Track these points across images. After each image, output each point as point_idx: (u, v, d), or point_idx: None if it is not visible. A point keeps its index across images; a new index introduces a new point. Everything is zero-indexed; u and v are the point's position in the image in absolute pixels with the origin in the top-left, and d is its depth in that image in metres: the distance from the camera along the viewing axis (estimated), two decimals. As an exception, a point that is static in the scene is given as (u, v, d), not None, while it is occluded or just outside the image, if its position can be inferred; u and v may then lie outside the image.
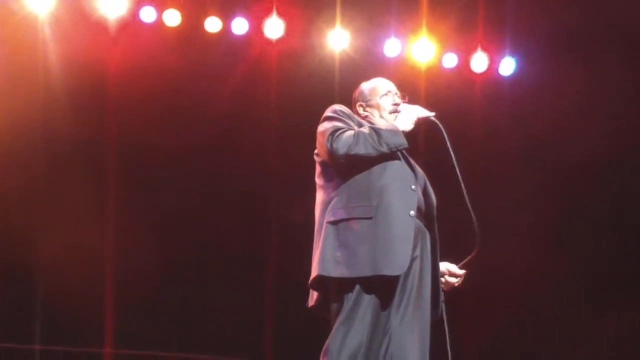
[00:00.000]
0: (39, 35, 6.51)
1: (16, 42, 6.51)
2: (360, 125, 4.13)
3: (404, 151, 4.22)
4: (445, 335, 4.18)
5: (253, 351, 6.43)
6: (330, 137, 4.02)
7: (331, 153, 4.03)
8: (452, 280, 4.33)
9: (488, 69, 7.24)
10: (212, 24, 6.93)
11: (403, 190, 4.07)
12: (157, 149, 6.73)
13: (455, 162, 4.28)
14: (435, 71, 7.19)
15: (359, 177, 4.05)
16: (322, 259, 4.00)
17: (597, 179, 7.00)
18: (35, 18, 6.54)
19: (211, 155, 6.92)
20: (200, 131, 6.80)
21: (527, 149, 7.09)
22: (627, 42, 6.95)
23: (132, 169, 6.71)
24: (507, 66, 7.26)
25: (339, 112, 4.17)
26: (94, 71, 6.62)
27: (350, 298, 3.93)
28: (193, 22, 6.91)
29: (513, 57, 7.26)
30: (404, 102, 4.32)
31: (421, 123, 4.24)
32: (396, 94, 4.37)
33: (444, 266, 4.32)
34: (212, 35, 6.94)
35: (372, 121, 4.27)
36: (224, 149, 6.94)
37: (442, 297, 4.27)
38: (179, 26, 6.85)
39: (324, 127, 4.13)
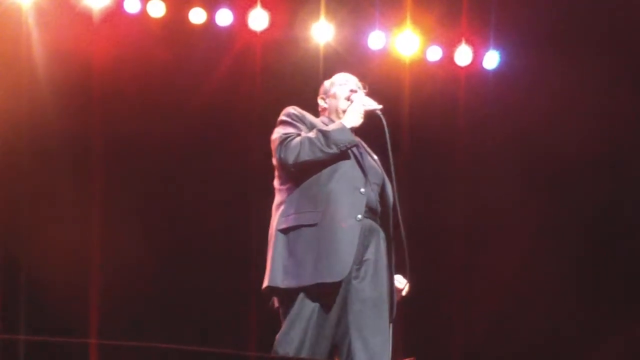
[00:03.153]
0: (23, 26, 6.45)
1: (-1, 34, 6.48)
2: (313, 127, 4.20)
3: (361, 150, 4.31)
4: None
5: (238, 342, 6.44)
6: (279, 147, 4.14)
7: (281, 162, 4.15)
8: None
9: (472, 62, 7.24)
10: (197, 15, 6.90)
11: (350, 194, 4.13)
12: (141, 141, 6.69)
13: (391, 159, 4.29)
14: (420, 64, 7.19)
15: (309, 182, 4.14)
16: (272, 269, 4.11)
17: (582, 172, 7.02)
18: (18, 8, 6.49)
19: (195, 148, 6.90)
20: (185, 124, 6.77)
21: (511, 142, 7.10)
22: (612, 36, 6.97)
23: (116, 161, 6.66)
24: (491, 59, 7.27)
25: (291, 116, 4.28)
26: (78, 62, 6.55)
27: (297, 302, 4.04)
28: (177, 13, 6.87)
29: (497, 50, 7.27)
30: (364, 92, 4.40)
31: (370, 116, 4.29)
32: (355, 84, 4.46)
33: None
34: (197, 26, 6.91)
35: (331, 113, 4.39)
36: (208, 141, 6.91)
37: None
38: (163, 17, 6.82)
39: (276, 133, 4.24)
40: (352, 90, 4.41)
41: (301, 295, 4.04)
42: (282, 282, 4.07)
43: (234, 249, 6.69)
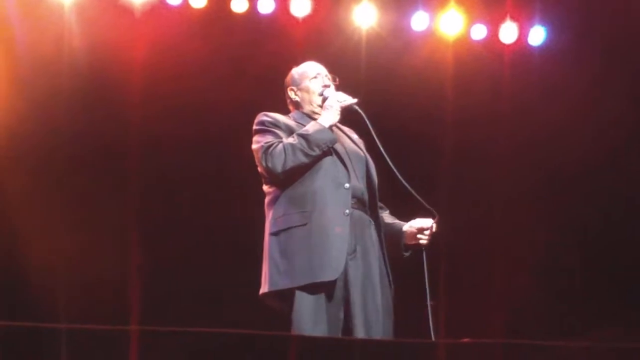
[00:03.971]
0: (65, 24, 6.47)
1: (41, 31, 6.48)
2: (289, 129, 4.32)
3: (342, 138, 4.42)
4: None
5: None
6: (264, 156, 4.25)
7: (268, 171, 4.26)
8: (425, 235, 4.45)
9: (517, 39, 7.13)
10: (238, 4, 6.86)
11: (336, 190, 4.25)
12: (181, 138, 6.69)
13: (381, 148, 4.39)
14: (464, 43, 7.08)
15: (295, 185, 4.27)
16: (268, 273, 4.24)
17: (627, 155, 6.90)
18: (61, 6, 6.52)
19: (237, 142, 6.89)
20: (227, 118, 6.72)
21: (555, 122, 6.97)
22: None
23: (155, 157, 6.65)
24: (537, 35, 7.14)
25: (266, 123, 4.38)
26: (120, 60, 6.53)
27: (298, 302, 4.14)
28: (219, 3, 6.84)
29: (543, 25, 7.14)
30: (334, 85, 4.50)
31: (346, 111, 4.38)
32: (326, 76, 4.56)
33: (415, 224, 4.46)
34: (238, 15, 6.89)
35: (303, 107, 4.49)
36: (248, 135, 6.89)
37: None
38: (204, 7, 6.80)
39: (256, 143, 4.36)
40: (325, 86, 4.49)
41: (301, 294, 4.14)
42: (278, 284, 4.20)
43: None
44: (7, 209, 6.38)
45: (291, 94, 4.59)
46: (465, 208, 6.72)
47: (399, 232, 4.49)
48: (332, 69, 6.59)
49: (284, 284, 4.19)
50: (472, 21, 7.13)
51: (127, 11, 6.59)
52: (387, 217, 4.56)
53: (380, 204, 4.51)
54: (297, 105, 4.57)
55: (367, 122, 4.39)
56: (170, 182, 6.77)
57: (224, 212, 6.80)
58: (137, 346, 3.32)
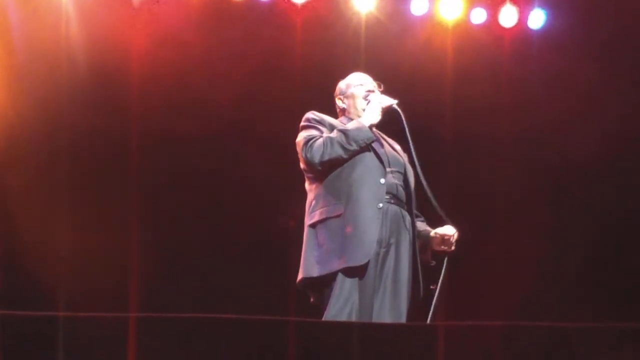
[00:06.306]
0: (63, 16, 6.45)
1: (39, 22, 6.47)
2: (332, 127, 4.57)
3: (381, 141, 4.68)
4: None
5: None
6: (304, 147, 4.52)
7: (307, 162, 4.52)
8: (446, 246, 4.67)
9: (518, 23, 7.09)
10: (238, -10, 6.86)
11: (371, 184, 4.48)
12: (180, 130, 6.66)
13: (413, 150, 4.61)
14: (463, 27, 7.06)
15: (332, 178, 4.52)
16: (304, 262, 4.50)
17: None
18: (58, -3, 6.50)
19: (237, 137, 6.87)
20: (228, 107, 6.72)
21: (557, 106, 6.92)
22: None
23: (156, 149, 6.64)
24: (537, 18, 7.11)
25: (311, 120, 4.65)
26: (119, 51, 6.53)
27: (333, 289, 4.37)
28: (218, -9, 6.86)
29: (543, 9, 7.11)
30: (379, 91, 4.73)
31: (387, 111, 4.62)
32: (371, 83, 4.80)
33: (439, 232, 4.67)
34: (238, 3, 6.85)
35: (350, 112, 4.75)
36: (249, 129, 6.85)
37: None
38: (203, -4, 6.82)
39: (299, 137, 4.61)
40: (369, 90, 4.74)
41: (336, 280, 4.35)
42: (314, 272, 4.42)
43: (271, 232, 6.68)
44: (10, 205, 6.41)
45: (339, 102, 4.85)
46: (465, 196, 6.70)
47: (427, 239, 4.70)
48: (332, 54, 6.66)
49: (317, 271, 4.42)
50: (471, 5, 7.11)
51: (126, 1, 6.58)
52: (420, 224, 4.75)
53: (417, 212, 4.72)
54: (344, 112, 4.81)
55: (404, 122, 4.60)
56: (171, 175, 6.76)
57: (226, 205, 6.81)
58: (135, 333, 3.33)
